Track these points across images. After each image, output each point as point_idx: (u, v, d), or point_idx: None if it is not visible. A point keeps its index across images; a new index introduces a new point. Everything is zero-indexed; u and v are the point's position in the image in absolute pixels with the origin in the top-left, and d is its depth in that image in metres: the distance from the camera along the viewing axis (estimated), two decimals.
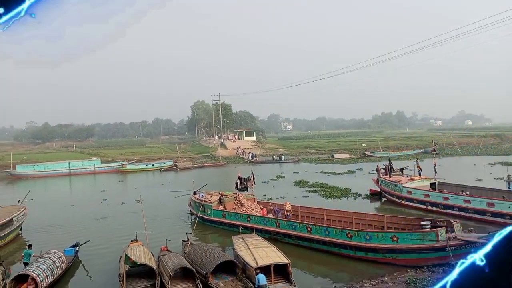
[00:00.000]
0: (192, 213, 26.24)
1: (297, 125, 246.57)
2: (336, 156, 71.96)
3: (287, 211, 22.54)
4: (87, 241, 19.91)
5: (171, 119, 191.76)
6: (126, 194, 39.27)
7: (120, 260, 16.01)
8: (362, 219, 21.03)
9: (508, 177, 31.15)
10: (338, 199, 32.09)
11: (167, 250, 17.26)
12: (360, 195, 33.34)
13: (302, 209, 23.91)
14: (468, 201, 24.00)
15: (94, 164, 63.81)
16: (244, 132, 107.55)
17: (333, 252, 18.21)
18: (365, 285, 14.14)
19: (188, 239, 18.30)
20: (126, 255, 14.31)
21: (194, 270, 14.28)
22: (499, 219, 21.79)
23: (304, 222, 20.50)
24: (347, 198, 32.56)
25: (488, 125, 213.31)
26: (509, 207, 21.79)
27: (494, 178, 38.11)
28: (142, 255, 14.87)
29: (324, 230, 18.71)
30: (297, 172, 51.36)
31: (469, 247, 15.28)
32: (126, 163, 65.03)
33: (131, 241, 18.02)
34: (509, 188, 29.17)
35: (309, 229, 19.28)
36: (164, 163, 66.30)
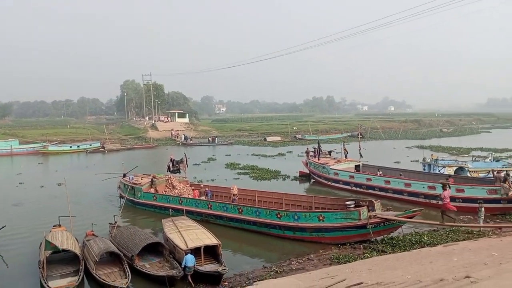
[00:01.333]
0: (121, 196, 25.35)
1: (231, 108, 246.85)
2: (268, 139, 73.26)
3: (233, 195, 22.43)
4: (2, 227, 18.48)
5: (98, 99, 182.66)
6: (47, 177, 36.90)
7: (40, 246, 15.09)
8: (291, 200, 21.66)
9: (424, 159, 33.87)
10: (268, 181, 32.76)
11: (93, 234, 16.57)
12: (289, 176, 34.29)
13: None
14: (388, 182, 25.66)
15: (11, 145, 59.00)
16: (176, 114, 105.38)
17: (263, 232, 18.62)
18: (292, 263, 14.66)
19: (116, 222, 17.69)
20: (46, 240, 13.48)
21: (121, 254, 13.88)
22: (414, 198, 23.61)
23: (236, 204, 20.71)
24: (277, 180, 33.35)
25: (408, 111, 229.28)
26: (423, 187, 23.62)
27: (411, 161, 41.12)
28: (64, 241, 14.15)
29: (255, 211, 19.04)
30: (229, 155, 51.56)
31: (387, 224, 16.43)
32: (47, 144, 60.82)
33: (53, 226, 17.02)
34: (424, 169, 31.73)
35: (240, 210, 19.52)
36: (91, 145, 63.17)
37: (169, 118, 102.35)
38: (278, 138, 74.86)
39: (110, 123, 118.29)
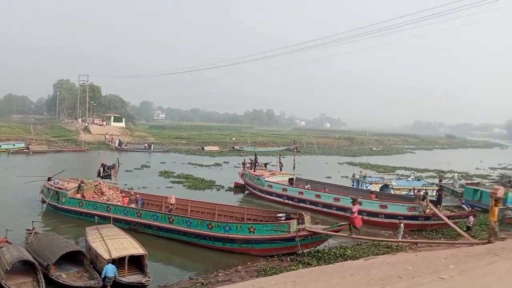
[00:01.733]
0: (44, 201, 23.80)
1: (171, 115, 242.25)
2: (206, 148, 72.82)
3: (171, 204, 21.65)
4: None
5: (27, 97, 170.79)
6: None
7: None
8: (224, 210, 21.63)
9: (353, 175, 35.47)
10: (202, 191, 32.48)
11: (7, 241, 15.34)
12: (223, 187, 34.25)
13: (166, 199, 23.57)
14: (318, 196, 26.50)
15: None
16: (112, 118, 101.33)
17: (193, 243, 18.39)
18: (219, 274, 14.59)
19: (34, 228, 16.54)
20: None
21: (36, 263, 12.97)
22: (342, 213, 24.54)
23: (166, 213, 20.29)
24: (211, 190, 33.19)
25: (343, 129, 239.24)
26: (351, 202, 24.62)
27: (341, 176, 42.85)
28: None
29: (186, 221, 18.78)
30: (164, 162, 50.49)
31: (315, 237, 16.92)
32: None
33: None
34: (353, 185, 33.20)
35: (170, 219, 19.15)
36: (14, 145, 58.81)
37: (104, 122, 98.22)
38: (216, 148, 74.65)
39: (38, 123, 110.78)
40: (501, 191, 16.44)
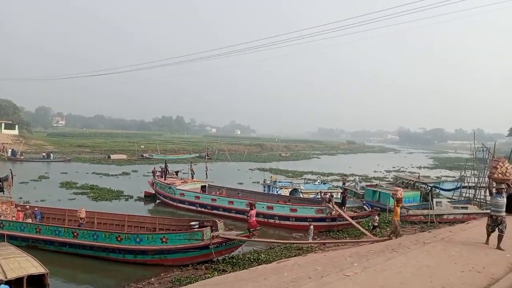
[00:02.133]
0: None
1: (72, 121, 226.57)
2: (113, 156, 69.41)
3: (80, 218, 20.00)
4: None
5: None
6: None
7: None
8: (135, 221, 20.77)
9: (264, 181, 36.43)
10: (109, 202, 30.84)
11: None
12: (132, 197, 32.93)
13: (70, 212, 21.98)
14: (231, 202, 26.72)
15: None
16: (3, 124, 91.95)
17: (101, 257, 17.37)
18: None
19: None
20: None
21: None
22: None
23: (70, 227, 18.90)
24: (119, 201, 31.66)
25: (253, 135, 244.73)
26: (263, 207, 25.25)
27: (252, 182, 43.75)
28: None
29: (93, 235, 17.66)
30: (66, 173, 46.95)
31: (229, 244, 17.02)
32: None
33: None
34: (264, 190, 34.08)
35: (75, 234, 17.86)
36: None
37: None
38: (124, 156, 71.49)
39: None
40: (400, 192, 18.04)
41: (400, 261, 9.50)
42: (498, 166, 10.96)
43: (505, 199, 10.59)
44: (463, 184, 33.59)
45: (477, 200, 29.89)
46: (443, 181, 42.17)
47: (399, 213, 18.03)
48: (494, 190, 11.16)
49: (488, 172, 11.31)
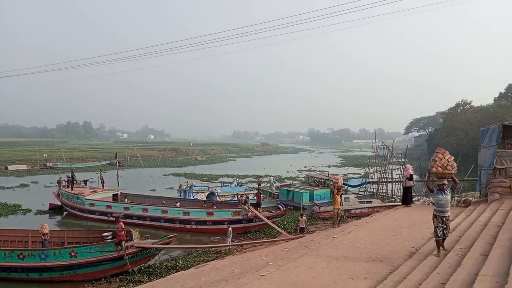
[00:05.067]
0: None
1: None
2: (11, 167, 63.40)
3: (44, 234, 17.48)
4: None
5: None
6: None
7: None
8: (40, 236, 19.18)
9: (180, 186, 35.88)
10: (4, 217, 28.05)
11: None
12: (30, 210, 30.24)
13: None
14: (146, 210, 25.90)
15: None
16: None
17: (2, 277, 15.81)
18: None
19: None
20: None
21: None
22: (171, 224, 24.59)
23: None
24: (16, 216, 28.85)
25: (167, 140, 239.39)
26: (179, 213, 24.91)
27: (166, 188, 42.79)
28: None
29: None
30: None
31: (144, 253, 16.50)
32: None
33: None
34: (180, 195, 33.56)
35: None
36: None
37: None
38: (24, 167, 65.66)
39: None
40: (341, 180, 18.16)
41: (312, 257, 10.01)
42: (437, 158, 9.51)
43: (449, 196, 9.16)
44: (367, 180, 36.30)
45: (380, 194, 32.49)
46: (350, 178, 45.30)
47: (339, 202, 18.17)
48: (435, 186, 9.57)
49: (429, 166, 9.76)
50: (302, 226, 21.16)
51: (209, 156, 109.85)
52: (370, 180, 36.23)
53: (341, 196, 20.76)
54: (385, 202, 28.57)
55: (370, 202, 28.39)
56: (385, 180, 33.44)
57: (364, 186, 35.10)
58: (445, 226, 9.09)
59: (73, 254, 15.72)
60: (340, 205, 20.32)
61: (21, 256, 15.82)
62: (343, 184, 33.89)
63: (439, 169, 9.36)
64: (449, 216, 9.24)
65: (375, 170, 35.47)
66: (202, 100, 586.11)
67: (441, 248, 9.19)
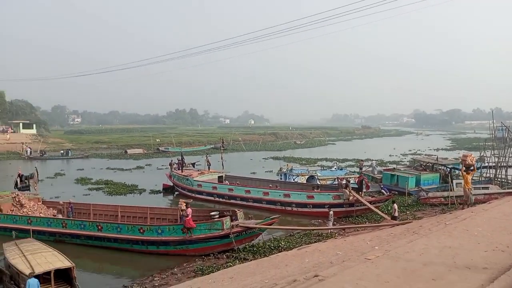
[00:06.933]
0: None
1: (88, 119, 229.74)
2: (130, 151, 70.24)
3: (181, 210, 17.88)
4: None
5: None
6: None
7: None
8: (156, 213, 21.15)
9: (280, 169, 36.42)
10: (124, 196, 31.29)
11: None
12: (145, 190, 33.28)
13: (94, 206, 22.49)
14: (248, 191, 26.89)
15: None
16: (21, 124, 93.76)
17: (125, 249, 17.78)
18: (155, 279, 14.26)
19: None
20: None
21: None
22: (272, 206, 25.19)
23: (94, 220, 19.35)
24: (133, 195, 32.02)
25: (267, 125, 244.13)
26: (280, 195, 25.39)
27: (265, 171, 43.69)
28: None
29: (116, 227, 18.07)
30: (82, 169, 47.80)
31: (249, 232, 17.20)
32: None
33: None
34: (280, 178, 34.12)
35: (99, 227, 18.29)
36: None
37: (12, 129, 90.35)
38: (140, 151, 72.29)
39: None
40: (471, 158, 16.59)
41: (422, 243, 9.50)
42: None
43: None
44: (483, 164, 33.07)
45: (498, 179, 29.41)
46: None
47: (469, 181, 16.71)
48: None
49: None
50: (395, 215, 19.51)
51: (308, 140, 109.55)
52: (486, 164, 32.93)
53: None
54: (504, 188, 25.83)
55: (487, 188, 25.87)
56: (505, 164, 30.08)
57: (480, 170, 32.00)
58: None
59: (185, 230, 16.99)
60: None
61: (141, 231, 17.57)
62: (454, 168, 31.42)
63: None
64: None
65: (492, 153, 32.17)
66: (301, 85, 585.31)
67: None
